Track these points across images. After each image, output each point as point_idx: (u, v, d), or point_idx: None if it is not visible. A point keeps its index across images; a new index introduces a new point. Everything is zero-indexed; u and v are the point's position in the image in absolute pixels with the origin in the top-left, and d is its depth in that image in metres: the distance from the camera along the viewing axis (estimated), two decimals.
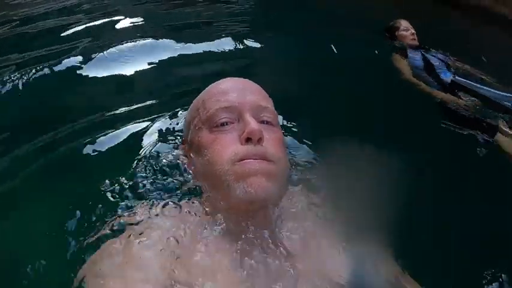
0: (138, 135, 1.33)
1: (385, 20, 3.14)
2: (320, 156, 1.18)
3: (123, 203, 0.93)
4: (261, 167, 0.82)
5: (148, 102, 1.63)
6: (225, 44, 2.53)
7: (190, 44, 2.36)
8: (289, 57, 2.30)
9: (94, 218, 0.92)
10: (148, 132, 1.33)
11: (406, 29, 2.93)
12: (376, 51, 2.67)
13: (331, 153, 1.09)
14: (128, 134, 1.35)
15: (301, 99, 1.73)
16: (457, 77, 2.40)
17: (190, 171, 0.94)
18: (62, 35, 2.55)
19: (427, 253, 1.05)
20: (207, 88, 0.98)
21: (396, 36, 2.95)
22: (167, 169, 0.99)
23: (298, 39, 2.63)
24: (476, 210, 1.25)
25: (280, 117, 1.06)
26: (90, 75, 1.91)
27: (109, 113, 1.53)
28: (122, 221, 0.84)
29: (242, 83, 0.96)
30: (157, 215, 0.84)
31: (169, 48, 2.30)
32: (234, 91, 0.92)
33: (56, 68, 1.92)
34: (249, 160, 0.82)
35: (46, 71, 1.89)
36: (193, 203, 0.88)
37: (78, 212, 0.95)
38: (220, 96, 0.91)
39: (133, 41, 2.32)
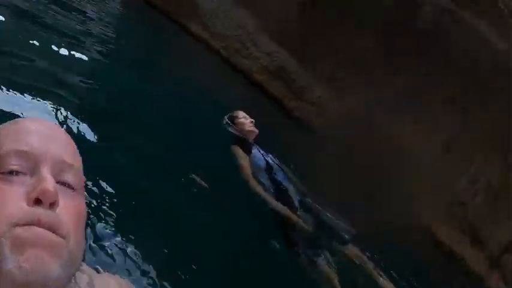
0: None
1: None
2: None
3: None
4: (47, 239, 0.68)
5: None
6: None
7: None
8: None
9: None
10: None
11: (244, 117, 3.24)
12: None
13: None
14: None
15: None
16: (306, 198, 2.67)
17: None
18: None
19: None
20: (6, 123, 0.82)
21: (236, 124, 3.23)
22: None
23: None
24: None
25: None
26: None
27: None
28: None
29: (49, 129, 0.81)
30: None
31: None
32: (37, 135, 0.77)
33: None
34: (33, 227, 0.68)
35: None
36: None
37: None
38: (17, 135, 0.76)
39: None
